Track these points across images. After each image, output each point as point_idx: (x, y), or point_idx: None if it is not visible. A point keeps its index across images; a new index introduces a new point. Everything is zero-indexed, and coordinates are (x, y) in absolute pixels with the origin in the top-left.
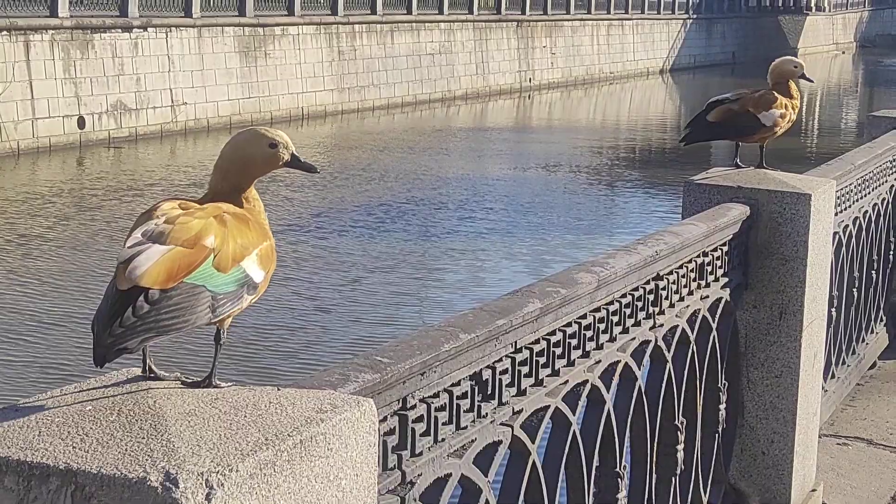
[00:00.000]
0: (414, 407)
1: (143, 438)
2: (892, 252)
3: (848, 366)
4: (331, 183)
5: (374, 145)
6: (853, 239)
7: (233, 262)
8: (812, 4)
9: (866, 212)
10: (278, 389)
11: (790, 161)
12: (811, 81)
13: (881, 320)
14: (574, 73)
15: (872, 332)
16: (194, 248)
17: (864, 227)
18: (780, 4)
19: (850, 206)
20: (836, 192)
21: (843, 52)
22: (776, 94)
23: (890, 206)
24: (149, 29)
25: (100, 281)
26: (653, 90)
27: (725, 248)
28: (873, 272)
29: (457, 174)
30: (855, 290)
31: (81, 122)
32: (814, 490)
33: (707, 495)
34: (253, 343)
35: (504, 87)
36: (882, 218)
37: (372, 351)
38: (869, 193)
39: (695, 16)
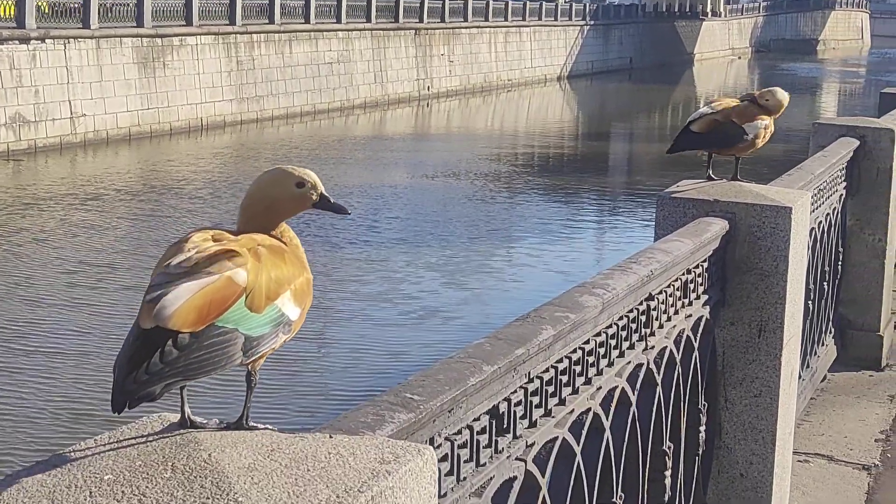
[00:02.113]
0: (440, 446)
1: (208, 499)
2: (839, 263)
3: (803, 380)
4: (227, 194)
5: (273, 155)
6: (808, 251)
7: (267, 301)
8: (708, 10)
9: (820, 222)
10: (330, 437)
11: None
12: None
13: (830, 332)
14: (472, 81)
15: (823, 344)
16: (226, 286)
17: (818, 238)
18: (676, 10)
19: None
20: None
21: (739, 58)
22: (758, 106)
23: (839, 215)
24: (47, 41)
25: (9, 299)
26: (550, 97)
27: (706, 265)
28: (825, 283)
29: (359, 183)
30: (810, 302)
31: None
32: None
33: None
34: None
35: (403, 95)
36: (833, 228)
37: (399, 386)
38: (822, 204)
39: (592, 22)
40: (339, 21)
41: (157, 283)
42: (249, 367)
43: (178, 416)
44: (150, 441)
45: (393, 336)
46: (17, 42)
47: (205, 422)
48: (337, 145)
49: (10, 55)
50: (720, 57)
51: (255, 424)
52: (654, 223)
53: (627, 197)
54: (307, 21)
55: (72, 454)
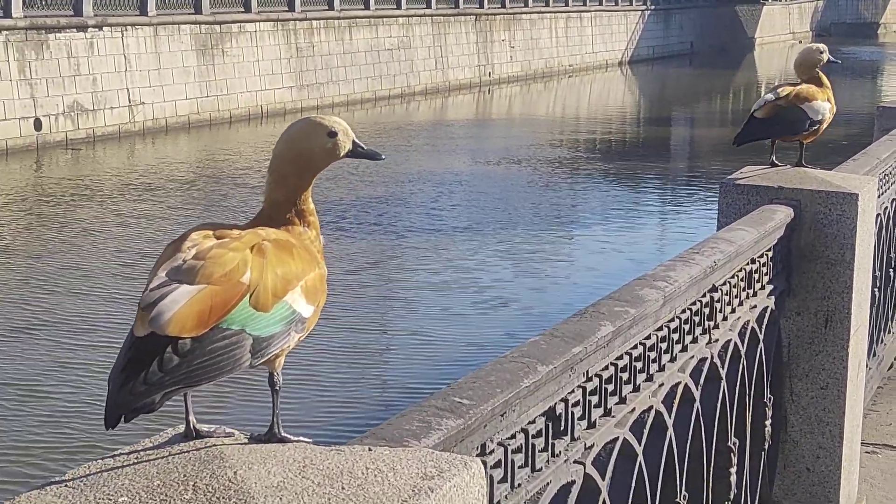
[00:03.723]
0: (492, 452)
1: None
2: None
3: (870, 369)
4: None
5: None
6: (874, 237)
7: (274, 299)
8: None
9: (886, 208)
10: (370, 450)
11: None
12: (838, 62)
13: None
14: (533, 67)
15: (889, 332)
16: (227, 286)
17: (883, 224)
18: None
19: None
20: None
21: (800, 42)
22: (814, 88)
23: None
24: (104, 28)
25: (70, 294)
26: (612, 82)
27: (770, 254)
28: (891, 270)
29: (420, 170)
30: (876, 289)
31: (38, 124)
32: None
33: None
34: None
35: (463, 81)
36: None
37: (448, 389)
38: (888, 189)
39: (653, 7)
40: (398, 7)
41: (152, 287)
42: (270, 369)
43: (209, 427)
44: (173, 456)
45: (462, 326)
46: (74, 30)
47: (210, 430)
48: (397, 132)
49: (68, 43)
50: (781, 41)
51: (287, 436)
52: (716, 210)
53: (691, 182)
54: (367, 7)
55: (88, 471)
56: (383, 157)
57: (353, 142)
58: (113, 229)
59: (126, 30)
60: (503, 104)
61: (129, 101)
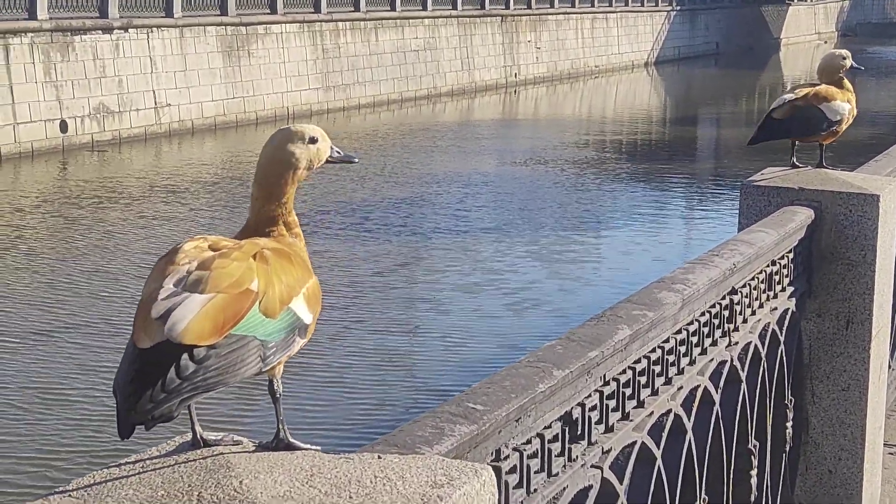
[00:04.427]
0: (507, 457)
1: None
2: None
3: (892, 370)
4: (318, 184)
5: (361, 144)
6: None
7: (281, 305)
8: None
9: None
10: (379, 458)
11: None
12: (861, 69)
13: None
14: (559, 68)
15: None
16: (238, 294)
17: None
18: None
19: None
20: None
21: (826, 42)
22: (833, 89)
23: None
24: (129, 30)
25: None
26: (637, 83)
27: (791, 256)
28: None
29: (446, 171)
30: None
31: (64, 126)
32: None
33: None
34: None
35: (489, 82)
36: None
37: (461, 395)
38: None
39: (678, 7)
40: (424, 8)
41: (162, 297)
42: (269, 376)
43: (216, 435)
44: (178, 465)
45: (492, 328)
46: (99, 32)
47: (218, 438)
48: (424, 133)
49: (94, 45)
50: (806, 41)
51: (294, 442)
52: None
53: (717, 182)
54: (392, 8)
55: (93, 481)
56: (357, 159)
57: (331, 147)
58: (138, 231)
59: (152, 31)
60: (529, 105)
61: (155, 103)
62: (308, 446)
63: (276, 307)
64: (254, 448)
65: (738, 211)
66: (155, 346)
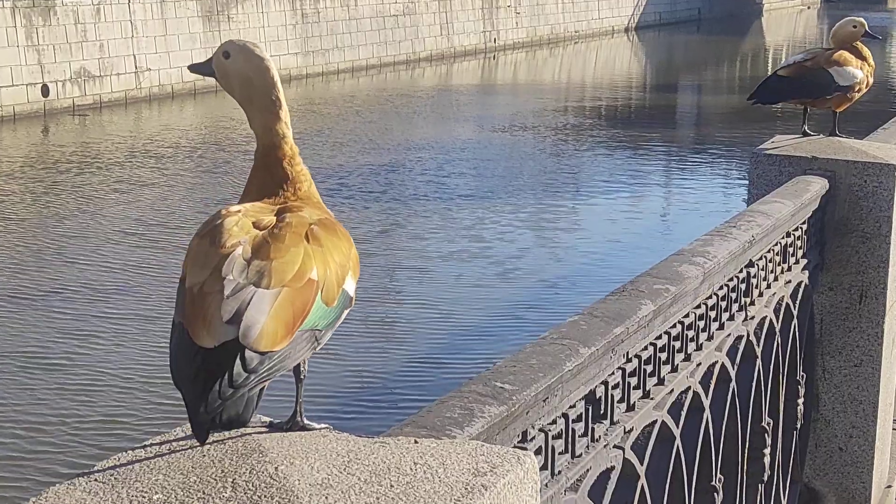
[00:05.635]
0: (533, 438)
1: None
2: None
3: None
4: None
5: (340, 110)
6: None
7: (338, 289)
8: None
9: None
10: (416, 442)
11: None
12: (878, 38)
13: None
14: (539, 33)
15: None
16: (302, 287)
17: None
18: None
19: None
20: None
21: (808, 8)
22: (848, 54)
23: None
24: None
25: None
26: (618, 49)
27: (805, 227)
28: None
29: (425, 137)
30: None
31: (45, 90)
32: (889, 486)
33: (785, 499)
34: None
35: (469, 47)
36: None
37: (488, 374)
38: None
39: None
40: None
41: (227, 294)
42: None
43: None
44: (208, 448)
45: (476, 294)
46: None
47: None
48: (403, 99)
49: (75, 10)
50: (789, 7)
51: (309, 423)
52: (747, 180)
53: (698, 150)
54: None
55: (118, 464)
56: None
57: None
58: (117, 195)
59: None
60: (509, 71)
61: (136, 68)
62: (321, 426)
63: (335, 293)
64: (265, 428)
65: (724, 177)
66: (223, 344)
